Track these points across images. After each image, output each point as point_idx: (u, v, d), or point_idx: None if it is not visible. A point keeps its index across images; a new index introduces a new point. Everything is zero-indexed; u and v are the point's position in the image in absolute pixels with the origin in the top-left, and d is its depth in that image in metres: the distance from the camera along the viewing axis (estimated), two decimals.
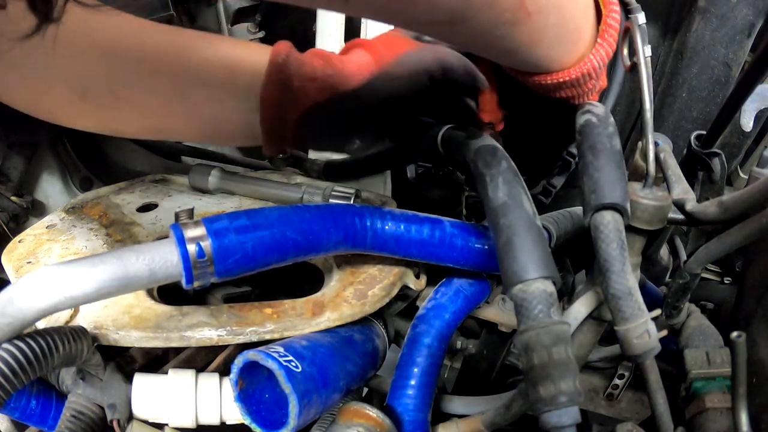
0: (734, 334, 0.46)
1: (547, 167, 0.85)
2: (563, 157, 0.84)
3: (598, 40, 0.57)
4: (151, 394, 0.58)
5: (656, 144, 0.64)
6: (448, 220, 0.66)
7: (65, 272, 0.47)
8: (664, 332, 0.53)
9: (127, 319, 0.58)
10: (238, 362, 0.54)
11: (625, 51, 0.58)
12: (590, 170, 0.53)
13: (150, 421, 0.58)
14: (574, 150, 0.88)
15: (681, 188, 0.61)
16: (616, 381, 0.93)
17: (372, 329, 0.70)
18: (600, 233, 0.50)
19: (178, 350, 0.64)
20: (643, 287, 0.73)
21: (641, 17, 0.59)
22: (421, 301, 0.75)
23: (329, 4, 0.46)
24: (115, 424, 0.58)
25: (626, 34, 0.59)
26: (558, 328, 0.46)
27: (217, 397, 0.59)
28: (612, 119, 0.58)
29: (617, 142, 0.56)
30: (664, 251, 0.83)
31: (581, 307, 0.59)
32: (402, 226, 0.64)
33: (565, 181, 0.91)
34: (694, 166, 0.75)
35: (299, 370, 0.53)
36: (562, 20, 0.53)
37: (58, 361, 0.50)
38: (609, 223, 0.50)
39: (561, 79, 0.57)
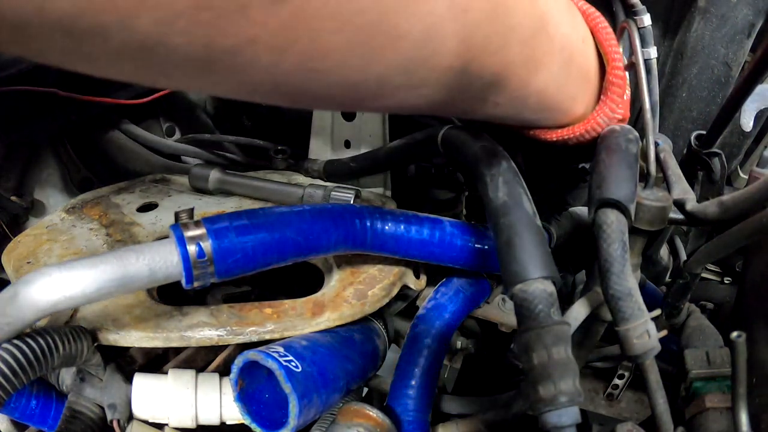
0: (734, 334, 0.46)
1: (549, 175, 0.85)
2: (574, 172, 0.84)
3: (602, 97, 0.56)
4: (151, 394, 0.58)
5: (656, 144, 0.64)
6: (448, 220, 0.66)
7: (65, 272, 0.47)
8: (664, 332, 0.53)
9: (127, 319, 0.58)
10: (238, 362, 0.54)
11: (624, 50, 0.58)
12: (600, 167, 0.53)
13: (150, 421, 0.58)
14: (586, 166, 0.88)
15: (681, 188, 0.61)
16: (616, 381, 0.94)
17: (372, 329, 0.70)
18: (603, 232, 0.50)
19: (178, 350, 0.64)
20: (643, 287, 0.73)
21: (646, 18, 0.59)
22: (421, 301, 0.75)
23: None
24: (115, 424, 0.58)
25: (623, 33, 0.59)
26: (558, 328, 0.46)
27: (217, 397, 0.59)
28: (636, 133, 0.58)
29: (634, 148, 0.56)
30: (664, 251, 0.83)
31: (581, 307, 0.58)
32: (402, 226, 0.64)
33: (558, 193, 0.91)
34: (694, 166, 0.75)
35: (299, 370, 0.53)
36: (548, 95, 0.50)
37: (58, 361, 0.50)
38: (612, 223, 0.50)
39: (557, 138, 0.56)
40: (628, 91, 0.59)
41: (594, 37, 0.56)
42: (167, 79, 0.31)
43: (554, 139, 0.56)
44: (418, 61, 0.35)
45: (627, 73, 0.58)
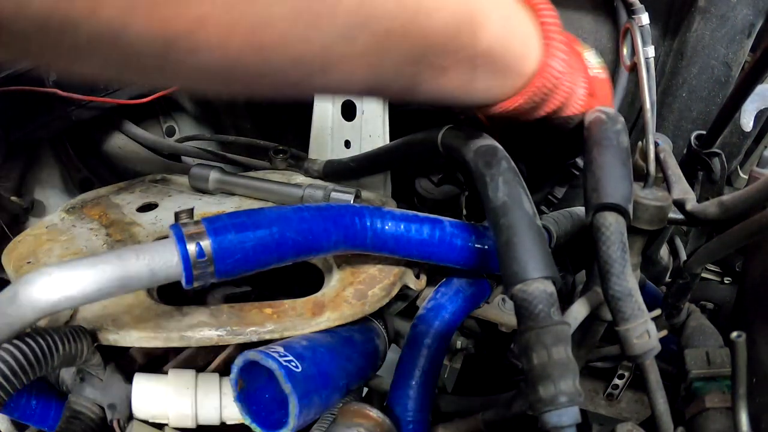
0: (734, 334, 0.46)
1: (544, 174, 0.85)
2: (567, 169, 0.84)
3: (544, 43, 0.53)
4: (151, 394, 0.58)
5: (656, 144, 0.64)
6: (448, 220, 0.66)
7: (65, 272, 0.47)
8: (664, 332, 0.53)
9: (127, 319, 0.58)
10: (238, 362, 0.54)
11: (625, 51, 0.58)
12: (593, 167, 0.53)
13: (150, 421, 0.58)
14: (578, 161, 0.88)
15: (681, 188, 0.61)
16: (616, 381, 0.94)
17: (372, 329, 0.70)
18: (601, 235, 0.50)
19: (178, 350, 0.64)
20: (643, 287, 0.73)
21: (645, 17, 0.59)
22: (421, 301, 0.75)
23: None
24: (115, 424, 0.58)
25: (626, 34, 0.59)
26: (558, 328, 0.46)
27: (217, 397, 0.59)
28: (621, 118, 0.58)
29: (625, 140, 0.55)
30: (664, 251, 0.83)
31: (581, 307, 0.58)
32: (402, 226, 0.64)
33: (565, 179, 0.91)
34: (694, 166, 0.75)
35: (299, 370, 0.53)
36: (489, 64, 0.49)
37: (58, 361, 0.50)
38: (611, 225, 0.50)
39: (517, 105, 0.54)
40: (569, 44, 0.57)
41: None
42: (130, 71, 0.34)
43: (516, 106, 0.54)
44: (358, 27, 0.36)
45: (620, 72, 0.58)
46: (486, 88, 0.52)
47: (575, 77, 0.57)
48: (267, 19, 0.32)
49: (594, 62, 0.61)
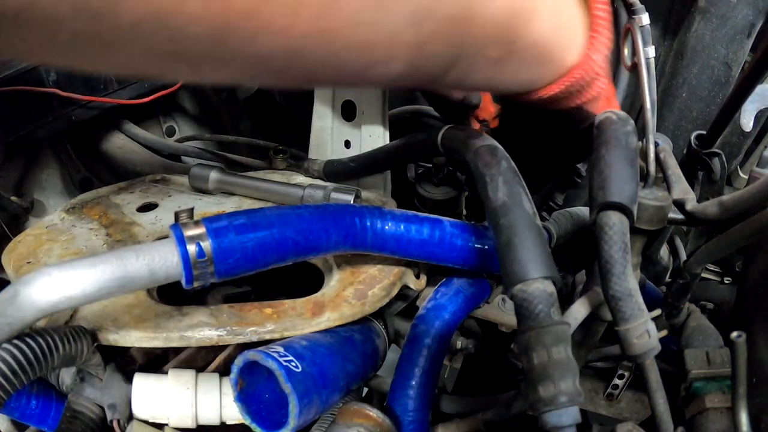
0: (734, 334, 0.46)
1: (545, 173, 0.85)
2: (568, 174, 0.84)
3: (591, 34, 0.54)
4: (151, 394, 0.58)
5: (656, 144, 0.64)
6: (448, 220, 0.66)
7: (65, 272, 0.47)
8: (664, 332, 0.53)
9: (127, 319, 0.58)
10: (238, 362, 0.54)
11: (626, 51, 0.58)
12: (601, 165, 0.52)
13: (150, 421, 0.58)
14: (580, 168, 0.88)
15: (681, 188, 0.61)
16: (616, 381, 0.93)
17: (372, 329, 0.70)
18: (604, 234, 0.50)
19: (178, 350, 0.64)
20: (643, 287, 0.73)
21: (645, 17, 0.59)
22: (421, 301, 0.75)
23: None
24: (115, 424, 0.58)
25: (627, 34, 0.59)
26: (558, 328, 0.46)
27: (217, 397, 0.59)
28: (632, 121, 0.58)
29: (634, 141, 0.55)
30: (664, 251, 0.83)
31: (581, 307, 0.58)
32: (402, 226, 0.64)
33: (566, 181, 0.91)
34: (694, 166, 0.75)
35: (299, 370, 0.53)
36: (540, 49, 0.50)
37: (58, 361, 0.50)
38: (615, 225, 0.50)
39: (541, 96, 0.55)
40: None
41: None
42: (178, 62, 0.30)
43: (552, 94, 0.55)
44: (424, 12, 0.35)
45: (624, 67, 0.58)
46: (528, 78, 0.53)
47: (606, 77, 0.58)
48: (335, 2, 0.30)
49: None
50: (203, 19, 0.26)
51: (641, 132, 0.59)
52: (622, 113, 0.59)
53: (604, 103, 0.60)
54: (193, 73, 0.33)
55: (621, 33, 0.60)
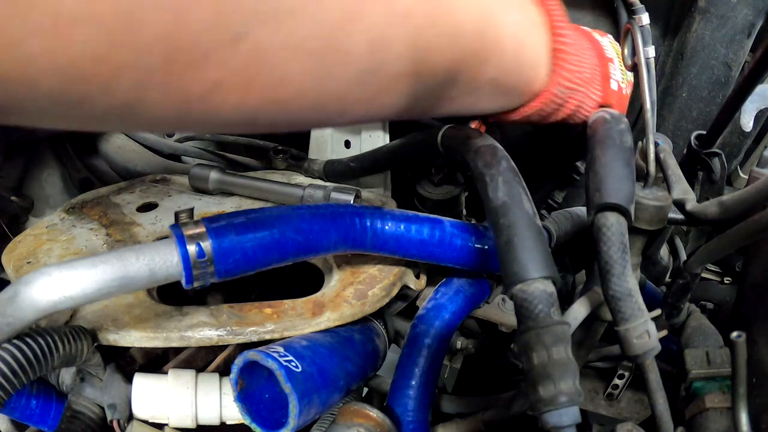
0: (734, 334, 0.46)
1: (545, 172, 0.85)
2: (567, 173, 0.84)
3: (552, 68, 0.54)
4: (151, 394, 0.58)
5: (656, 144, 0.64)
6: (448, 220, 0.66)
7: (65, 272, 0.47)
8: (664, 332, 0.53)
9: (127, 319, 0.58)
10: (238, 362, 0.54)
11: (626, 51, 0.58)
12: (596, 166, 0.52)
13: (150, 421, 0.58)
14: (579, 165, 0.88)
15: (681, 188, 0.61)
16: (616, 381, 0.93)
17: (372, 329, 0.70)
18: (602, 235, 0.50)
19: (178, 350, 0.64)
20: (643, 287, 0.73)
21: (645, 17, 0.59)
22: (421, 301, 0.75)
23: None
24: (115, 424, 0.58)
25: (627, 35, 0.59)
26: (558, 328, 0.46)
27: (217, 397, 0.59)
28: (625, 119, 0.58)
29: (628, 139, 0.55)
30: (664, 251, 0.83)
31: (581, 307, 0.58)
32: (402, 226, 0.64)
33: (565, 181, 0.91)
34: (694, 166, 0.75)
35: (299, 370, 0.53)
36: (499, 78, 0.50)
37: (58, 361, 0.50)
38: (612, 226, 0.50)
39: (518, 117, 0.56)
40: (587, 57, 0.57)
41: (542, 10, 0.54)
42: (151, 127, 0.35)
43: (520, 118, 0.56)
44: (371, 73, 0.37)
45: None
46: (492, 107, 0.54)
47: (586, 91, 0.58)
48: (282, 77, 0.32)
49: (618, 74, 0.61)
50: (164, 104, 0.29)
51: (641, 132, 0.59)
52: (615, 112, 0.59)
53: (593, 107, 0.60)
54: (166, 131, 0.39)
55: (621, 33, 0.60)
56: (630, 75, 0.63)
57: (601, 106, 0.61)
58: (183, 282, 0.51)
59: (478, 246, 0.65)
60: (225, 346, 0.65)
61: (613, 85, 0.61)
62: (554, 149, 0.76)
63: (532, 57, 0.52)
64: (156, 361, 0.64)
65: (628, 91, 0.64)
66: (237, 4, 0.27)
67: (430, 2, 0.38)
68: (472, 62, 0.44)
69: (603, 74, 0.60)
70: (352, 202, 0.76)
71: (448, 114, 0.51)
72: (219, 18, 0.27)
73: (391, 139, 0.87)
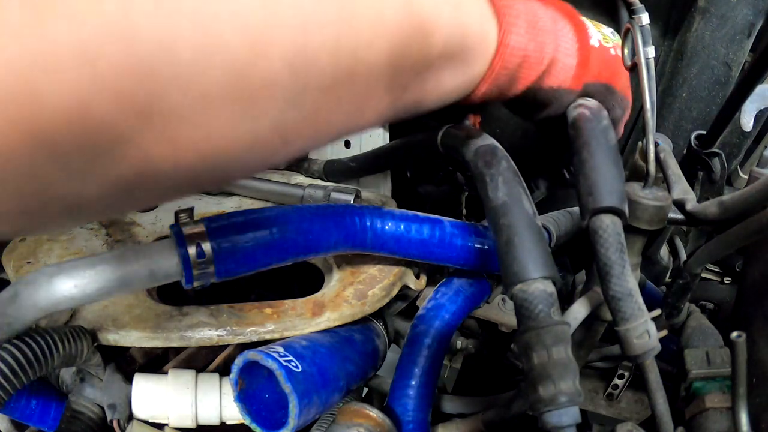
0: (734, 334, 0.46)
1: (536, 166, 0.85)
2: (559, 171, 0.83)
3: (500, 18, 0.50)
4: (151, 394, 0.58)
5: (656, 144, 0.64)
6: (448, 220, 0.66)
7: (65, 272, 0.47)
8: (664, 332, 0.53)
9: (127, 318, 0.58)
10: (238, 362, 0.54)
11: (626, 51, 0.58)
12: (586, 170, 0.52)
13: (150, 421, 0.58)
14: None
15: (681, 188, 0.61)
16: (616, 381, 0.93)
17: (372, 329, 0.70)
18: (599, 238, 0.50)
19: (178, 350, 0.64)
20: (643, 287, 0.73)
21: (645, 17, 0.59)
22: (421, 301, 0.75)
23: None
24: (115, 424, 0.58)
25: (627, 35, 0.59)
26: (558, 328, 0.46)
27: (217, 397, 0.59)
28: (605, 112, 0.57)
29: (612, 137, 0.55)
30: (664, 251, 0.83)
31: (581, 307, 0.58)
32: (402, 226, 0.64)
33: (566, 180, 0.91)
34: (694, 166, 0.75)
35: (299, 370, 0.53)
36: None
37: (58, 361, 0.50)
38: (608, 228, 0.50)
39: (475, 98, 0.52)
40: (541, 9, 0.53)
41: None
42: (89, 220, 0.34)
43: (482, 92, 0.51)
44: (301, 90, 0.34)
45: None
46: (453, 86, 0.49)
47: (550, 45, 0.53)
48: (205, 130, 0.30)
49: (597, 35, 0.58)
50: (101, 185, 0.28)
51: (641, 132, 0.59)
52: (594, 104, 0.56)
53: (579, 71, 0.56)
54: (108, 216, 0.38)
55: (622, 33, 0.60)
56: (617, 37, 0.61)
57: (584, 66, 0.56)
58: (183, 282, 0.51)
59: (478, 246, 0.65)
60: (225, 346, 0.65)
61: (593, 41, 0.57)
62: (548, 148, 0.76)
63: (476, 13, 0.48)
64: (156, 361, 0.64)
65: (616, 52, 0.59)
66: (135, 80, 0.26)
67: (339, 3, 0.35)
68: (416, 38, 0.41)
69: (575, 25, 0.56)
70: (352, 202, 0.76)
71: (409, 109, 0.47)
72: (122, 100, 0.25)
73: (391, 139, 0.87)
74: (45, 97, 0.23)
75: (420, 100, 0.47)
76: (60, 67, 0.23)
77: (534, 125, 0.64)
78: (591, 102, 0.57)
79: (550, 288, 0.47)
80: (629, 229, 0.53)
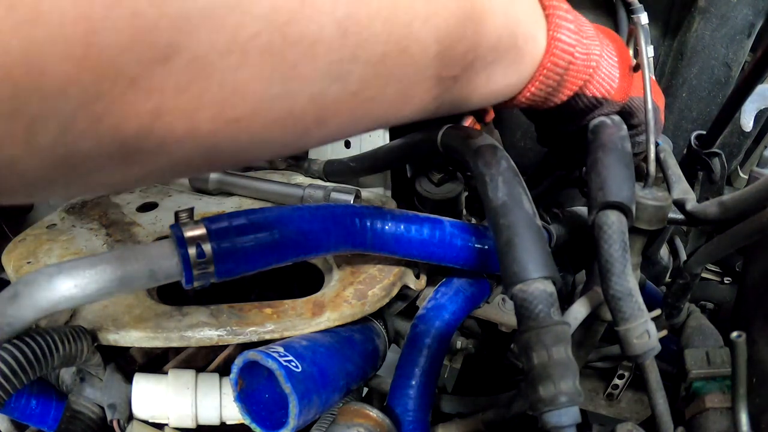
0: (734, 334, 0.46)
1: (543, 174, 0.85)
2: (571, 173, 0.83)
3: (550, 18, 0.48)
4: (151, 394, 0.58)
5: (656, 144, 0.64)
6: (448, 220, 0.66)
7: (65, 272, 0.47)
8: (664, 332, 0.53)
9: (127, 319, 0.58)
10: (238, 362, 0.54)
11: (630, 52, 0.58)
12: (599, 167, 0.53)
13: (150, 421, 0.58)
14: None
15: (681, 188, 0.61)
16: (616, 381, 0.94)
17: (372, 329, 0.70)
18: (603, 233, 0.50)
19: (178, 350, 0.64)
20: (643, 287, 0.73)
21: (644, 17, 0.59)
22: (421, 301, 0.75)
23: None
24: (115, 424, 0.58)
25: (630, 36, 0.59)
26: (558, 328, 0.46)
27: (217, 397, 0.59)
28: (625, 126, 0.58)
29: (629, 145, 0.55)
30: (664, 251, 0.83)
31: (581, 307, 0.58)
32: (402, 226, 0.64)
33: (565, 181, 0.91)
34: (694, 166, 0.75)
35: (299, 370, 0.53)
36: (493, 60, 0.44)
37: (58, 361, 0.50)
38: (613, 224, 0.50)
39: (522, 100, 0.50)
40: (584, 20, 0.52)
41: None
42: (94, 190, 0.29)
43: (531, 93, 0.50)
44: (347, 61, 0.31)
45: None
46: (503, 84, 0.47)
47: (595, 50, 0.52)
48: (233, 88, 0.26)
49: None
50: (101, 153, 0.25)
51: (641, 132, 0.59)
52: (616, 117, 0.58)
53: (623, 82, 0.55)
54: (113, 186, 0.31)
55: (626, 34, 0.60)
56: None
57: (627, 78, 0.55)
58: (183, 282, 0.51)
59: (478, 246, 0.65)
60: (225, 346, 0.65)
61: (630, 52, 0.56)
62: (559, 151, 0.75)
63: (527, 8, 0.47)
64: (156, 361, 0.64)
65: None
66: (159, 11, 0.22)
67: None
68: (469, 24, 0.38)
69: (614, 40, 0.55)
70: (352, 202, 0.76)
71: (456, 104, 0.45)
72: (139, 33, 0.22)
73: (391, 139, 0.87)
74: (48, 7, 0.19)
75: (467, 96, 0.44)
76: None
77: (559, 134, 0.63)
78: (614, 115, 0.57)
79: (550, 288, 0.47)
80: (629, 230, 0.53)
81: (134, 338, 0.57)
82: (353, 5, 0.29)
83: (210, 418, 0.59)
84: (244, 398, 0.55)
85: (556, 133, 0.64)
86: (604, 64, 0.53)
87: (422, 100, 0.39)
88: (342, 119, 0.34)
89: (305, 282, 0.76)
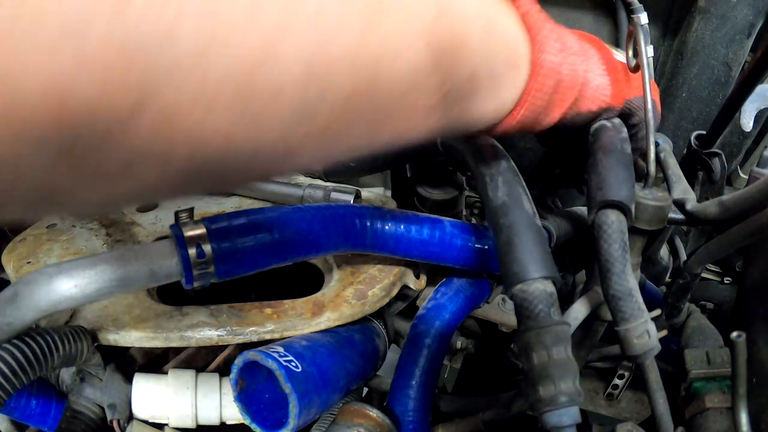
0: (734, 334, 0.46)
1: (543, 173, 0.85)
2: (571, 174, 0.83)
3: (533, 38, 0.46)
4: (151, 394, 0.58)
5: (656, 144, 0.64)
6: (448, 220, 0.66)
7: (65, 272, 0.47)
8: (664, 332, 0.53)
9: (127, 319, 0.58)
10: (238, 362, 0.54)
11: (630, 53, 0.58)
12: (599, 168, 0.53)
13: (150, 421, 0.59)
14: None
15: (681, 188, 0.61)
16: (616, 381, 0.94)
17: (372, 329, 0.70)
18: (603, 233, 0.50)
19: (178, 350, 0.64)
20: (643, 287, 0.73)
21: (643, 17, 0.59)
22: (421, 301, 0.75)
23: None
24: (115, 424, 0.58)
25: (630, 36, 0.59)
26: (558, 328, 0.46)
27: (217, 397, 0.59)
28: (625, 129, 0.58)
29: (629, 148, 0.56)
30: (664, 251, 0.83)
31: (581, 307, 0.58)
32: (402, 226, 0.64)
33: (565, 181, 0.91)
34: (694, 166, 0.75)
35: (299, 370, 0.53)
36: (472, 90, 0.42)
37: (58, 361, 0.50)
38: (613, 223, 0.50)
39: (510, 125, 0.49)
40: (566, 32, 0.50)
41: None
42: (83, 212, 0.31)
43: (519, 118, 0.48)
44: (314, 101, 0.31)
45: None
46: (487, 111, 0.46)
47: (581, 68, 0.51)
48: (202, 133, 0.27)
49: (620, 55, 0.57)
50: (79, 194, 0.26)
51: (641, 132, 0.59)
52: (617, 120, 0.58)
53: (615, 89, 0.54)
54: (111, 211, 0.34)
55: (626, 34, 0.60)
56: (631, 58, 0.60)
57: (618, 83, 0.55)
58: (183, 282, 0.51)
59: (478, 246, 0.65)
60: (225, 346, 0.65)
61: (619, 59, 0.55)
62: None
63: (507, 33, 0.45)
64: (156, 361, 0.64)
65: (632, 64, 0.57)
66: (127, 64, 0.22)
67: (369, 4, 0.32)
68: (445, 56, 0.37)
69: (599, 48, 0.54)
70: (352, 202, 0.76)
71: (442, 133, 0.43)
72: (110, 85, 0.22)
73: None
74: (21, 69, 0.20)
75: (445, 125, 0.43)
76: (42, 37, 0.20)
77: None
78: (615, 119, 0.57)
79: (550, 288, 0.47)
80: (629, 229, 0.53)
81: (134, 338, 0.57)
82: (318, 48, 0.29)
83: (210, 418, 0.59)
84: (244, 398, 0.55)
85: (556, 134, 0.64)
86: (590, 76, 0.53)
87: (396, 130, 0.39)
88: (313, 152, 0.35)
89: (305, 282, 0.76)
